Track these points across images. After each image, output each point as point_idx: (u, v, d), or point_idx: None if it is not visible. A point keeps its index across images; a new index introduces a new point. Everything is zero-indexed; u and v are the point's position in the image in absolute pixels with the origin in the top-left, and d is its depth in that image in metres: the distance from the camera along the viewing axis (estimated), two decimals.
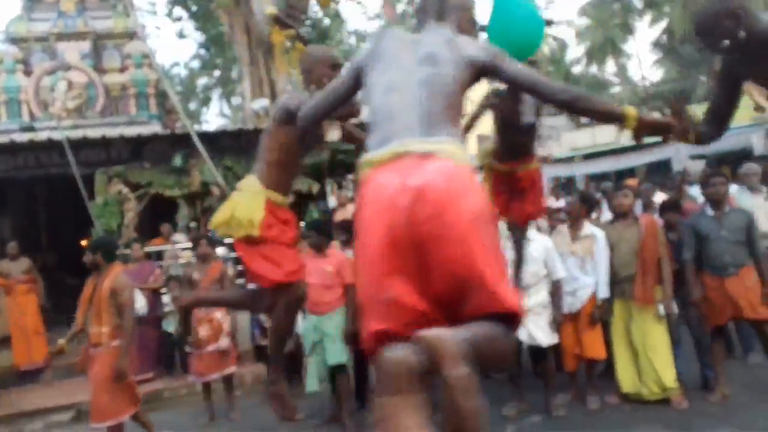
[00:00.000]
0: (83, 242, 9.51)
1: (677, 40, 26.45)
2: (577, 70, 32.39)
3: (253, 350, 8.00)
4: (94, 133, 10.31)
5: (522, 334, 5.16)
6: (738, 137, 14.89)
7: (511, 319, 1.80)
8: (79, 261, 5.50)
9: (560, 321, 5.33)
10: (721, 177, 5.31)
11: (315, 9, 16.64)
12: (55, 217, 12.53)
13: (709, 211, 5.25)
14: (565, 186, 16.27)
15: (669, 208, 5.80)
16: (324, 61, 3.09)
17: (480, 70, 2.15)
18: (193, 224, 9.90)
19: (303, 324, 5.93)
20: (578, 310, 5.38)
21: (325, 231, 6.00)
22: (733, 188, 6.62)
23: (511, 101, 4.07)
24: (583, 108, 2.22)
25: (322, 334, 5.54)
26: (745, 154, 13.91)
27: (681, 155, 15.31)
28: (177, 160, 9.85)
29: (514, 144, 4.26)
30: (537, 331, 5.28)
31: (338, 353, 5.51)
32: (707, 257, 5.15)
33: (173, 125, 12.78)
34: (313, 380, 5.69)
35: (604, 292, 5.32)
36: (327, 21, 16.39)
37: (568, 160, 20.16)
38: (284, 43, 6.81)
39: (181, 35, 24.58)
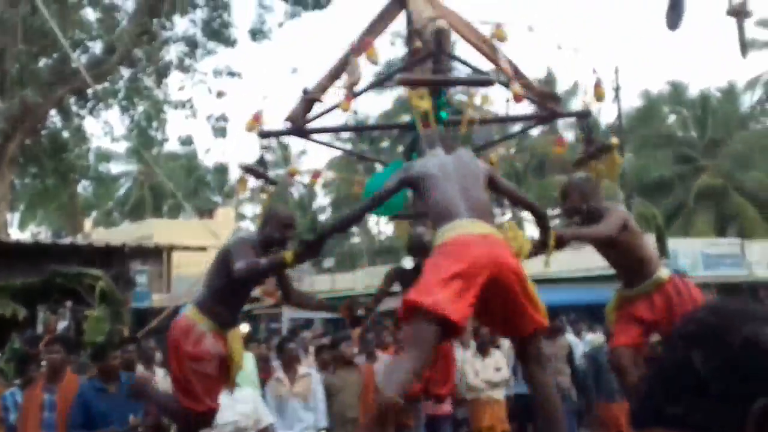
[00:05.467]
0: None
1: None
2: (322, 216, 34.19)
3: None
4: None
5: None
6: None
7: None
8: None
9: None
10: None
11: (53, 120, 15.50)
12: None
13: None
14: (299, 329, 16.07)
15: None
16: (282, 220, 3.79)
17: (489, 179, 3.41)
18: None
19: None
20: None
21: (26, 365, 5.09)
22: None
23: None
24: (533, 210, 3.63)
25: None
26: None
27: None
28: None
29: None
30: None
31: None
32: None
33: None
34: None
35: (322, 422, 5.39)
36: (66, 134, 15.28)
37: None
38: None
39: None
